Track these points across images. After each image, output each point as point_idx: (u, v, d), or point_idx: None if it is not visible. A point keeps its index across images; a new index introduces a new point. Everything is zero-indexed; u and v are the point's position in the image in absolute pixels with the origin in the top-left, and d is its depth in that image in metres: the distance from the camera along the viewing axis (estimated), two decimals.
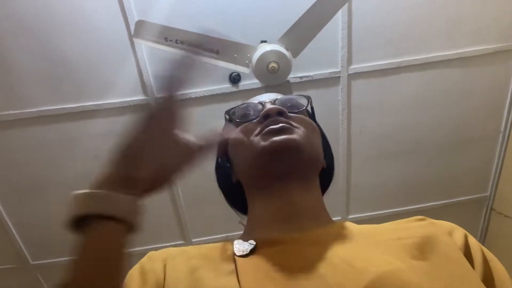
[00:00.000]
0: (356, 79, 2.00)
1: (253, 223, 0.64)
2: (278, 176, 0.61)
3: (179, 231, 2.32)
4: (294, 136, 0.59)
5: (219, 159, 0.74)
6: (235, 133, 0.65)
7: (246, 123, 0.66)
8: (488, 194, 2.45)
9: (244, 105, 0.70)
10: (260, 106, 0.67)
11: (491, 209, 2.48)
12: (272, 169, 0.60)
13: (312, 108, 0.72)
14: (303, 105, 0.69)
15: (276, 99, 0.68)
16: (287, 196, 0.61)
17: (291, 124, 0.61)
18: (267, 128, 0.61)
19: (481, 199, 2.47)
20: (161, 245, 2.32)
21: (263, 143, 0.59)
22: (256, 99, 0.71)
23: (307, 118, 0.67)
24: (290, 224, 0.58)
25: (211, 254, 0.56)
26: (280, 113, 0.62)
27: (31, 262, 2.27)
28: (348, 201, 2.36)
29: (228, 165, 0.71)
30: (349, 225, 0.60)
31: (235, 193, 0.72)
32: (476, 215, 2.55)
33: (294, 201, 0.60)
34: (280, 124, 0.60)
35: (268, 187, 0.62)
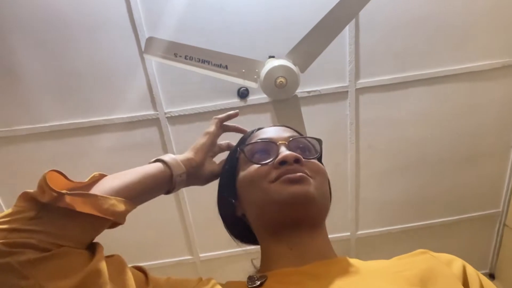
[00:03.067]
0: (364, 93, 2.00)
1: (265, 260, 0.66)
2: (291, 224, 0.62)
3: (187, 247, 2.31)
4: (311, 188, 0.61)
5: (224, 191, 0.74)
6: (248, 172, 0.66)
7: (260, 165, 0.65)
8: (500, 210, 2.40)
9: (256, 143, 0.69)
10: (274, 147, 0.67)
11: (504, 225, 2.43)
12: (287, 218, 0.62)
13: (321, 149, 0.72)
14: (316, 151, 0.70)
15: (290, 138, 0.68)
16: (298, 240, 0.63)
17: (306, 174, 0.62)
18: (284, 176, 0.61)
19: (493, 215, 2.43)
20: (169, 260, 2.31)
21: (281, 194, 0.60)
22: (267, 134, 0.71)
23: (320, 165, 0.68)
24: (299, 261, 0.61)
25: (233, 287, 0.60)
26: (296, 160, 0.63)
27: None
28: (357, 217, 2.33)
29: (234, 200, 0.71)
30: (353, 261, 0.63)
31: (238, 225, 0.73)
32: (489, 232, 2.50)
33: (304, 244, 0.63)
34: (298, 174, 0.61)
35: (279, 233, 0.64)
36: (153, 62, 1.81)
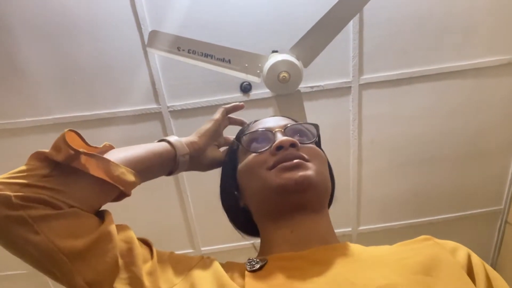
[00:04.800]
0: (367, 89, 1.99)
1: (265, 244, 0.66)
2: (291, 210, 0.62)
3: (188, 240, 2.32)
4: (308, 172, 0.61)
5: (226, 183, 0.74)
6: (246, 161, 0.66)
7: (257, 153, 0.66)
8: (502, 207, 2.40)
9: (253, 132, 0.70)
10: (270, 135, 0.67)
11: (506, 222, 2.43)
12: (286, 204, 0.62)
13: (319, 135, 0.72)
14: (313, 136, 0.70)
15: (286, 126, 0.68)
16: (299, 224, 0.63)
17: (303, 158, 0.63)
18: (281, 164, 0.61)
19: (496, 212, 2.42)
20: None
21: (278, 181, 0.60)
22: (264, 124, 0.71)
23: (317, 149, 0.68)
24: (300, 245, 0.61)
25: (233, 268, 0.59)
26: (292, 145, 0.63)
27: None
28: (359, 212, 2.33)
29: (236, 192, 0.71)
30: (356, 246, 0.62)
31: (241, 216, 0.73)
32: (490, 229, 2.50)
33: (305, 228, 0.63)
34: (295, 161, 0.61)
35: (280, 219, 0.63)
36: (156, 56, 1.80)
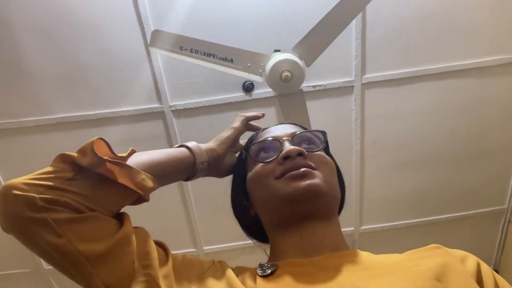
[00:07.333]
0: (369, 88, 1.98)
1: (275, 250, 0.67)
2: (299, 218, 0.63)
3: (191, 239, 2.33)
4: (315, 181, 0.61)
5: (236, 193, 0.75)
6: (254, 171, 0.67)
7: (264, 163, 0.66)
8: (505, 206, 2.39)
9: (261, 142, 0.70)
10: (277, 144, 0.67)
11: (509, 221, 2.42)
12: (295, 213, 0.63)
13: (326, 142, 0.72)
14: (320, 143, 0.70)
15: (293, 134, 0.69)
16: (308, 231, 0.63)
17: (311, 166, 0.63)
18: (288, 173, 0.62)
19: (499, 211, 2.41)
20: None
21: (285, 190, 0.61)
22: (271, 133, 0.72)
23: (325, 156, 0.68)
24: (309, 252, 0.61)
25: (243, 273, 0.60)
26: (299, 154, 0.63)
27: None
28: (361, 212, 2.33)
29: (245, 201, 0.72)
30: (365, 254, 0.63)
31: (252, 224, 0.74)
32: (493, 228, 2.49)
33: (314, 235, 0.63)
34: (302, 169, 0.62)
35: (289, 227, 0.64)
36: (159, 55, 1.81)
